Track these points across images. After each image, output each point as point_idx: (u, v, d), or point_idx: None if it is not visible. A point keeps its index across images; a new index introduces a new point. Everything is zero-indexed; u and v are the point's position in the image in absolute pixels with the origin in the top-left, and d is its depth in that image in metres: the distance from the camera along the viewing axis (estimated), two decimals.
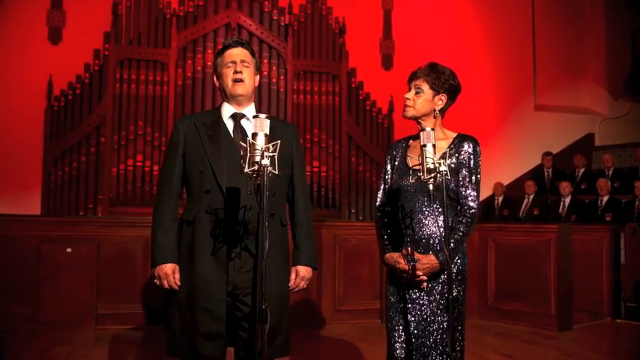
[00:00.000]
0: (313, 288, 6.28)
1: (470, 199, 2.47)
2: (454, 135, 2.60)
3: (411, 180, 2.50)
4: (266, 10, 8.12)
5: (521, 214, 8.56)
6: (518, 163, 9.36)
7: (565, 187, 8.26)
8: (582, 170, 9.10)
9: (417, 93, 2.55)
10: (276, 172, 2.10)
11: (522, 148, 9.36)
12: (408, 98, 2.56)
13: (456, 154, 2.52)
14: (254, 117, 2.15)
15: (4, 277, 5.74)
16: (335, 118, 8.31)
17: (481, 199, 8.94)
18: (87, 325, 5.75)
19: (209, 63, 7.77)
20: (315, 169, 8.16)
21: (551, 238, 6.18)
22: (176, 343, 2.51)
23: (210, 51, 7.81)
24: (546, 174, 9.19)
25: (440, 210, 2.47)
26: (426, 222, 2.47)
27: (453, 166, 2.49)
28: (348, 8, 8.52)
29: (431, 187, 2.22)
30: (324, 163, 8.24)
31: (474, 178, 2.50)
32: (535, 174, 9.27)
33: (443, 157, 2.49)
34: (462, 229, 2.44)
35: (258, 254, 2.45)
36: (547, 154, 9.22)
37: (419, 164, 2.25)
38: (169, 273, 2.49)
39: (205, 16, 7.93)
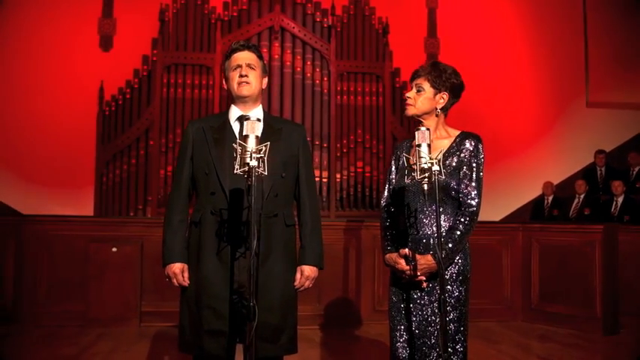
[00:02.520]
0: (352, 288, 6.31)
1: (470, 197, 2.45)
2: (457, 133, 2.58)
3: (411, 180, 2.51)
4: (309, 12, 8.19)
5: (571, 214, 8.33)
6: (569, 161, 9.09)
7: (618, 186, 7.99)
8: (637, 169, 8.76)
9: (417, 91, 2.55)
10: (265, 173, 2.15)
11: (573, 146, 9.08)
12: (408, 97, 2.56)
13: (458, 152, 2.50)
14: (245, 119, 2.21)
15: (55, 275, 6.03)
16: (379, 119, 8.30)
17: (530, 198, 8.85)
18: (131, 322, 5.96)
19: None
20: (359, 170, 8.17)
21: (597, 238, 5.99)
22: (185, 339, 2.60)
23: None
24: (599, 173, 8.90)
25: (441, 209, 2.46)
26: (426, 221, 2.46)
27: (454, 164, 2.48)
28: (391, 8, 8.49)
29: (425, 186, 2.22)
30: (368, 164, 8.25)
31: (474, 175, 2.47)
32: (587, 173, 8.98)
33: (447, 155, 2.50)
34: (461, 228, 2.41)
35: (260, 253, 2.52)
36: (600, 152, 8.93)
37: (414, 164, 2.26)
38: (178, 272, 2.58)
39: (249, 20, 8.07)
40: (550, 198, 8.61)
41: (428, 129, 2.25)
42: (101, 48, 8.23)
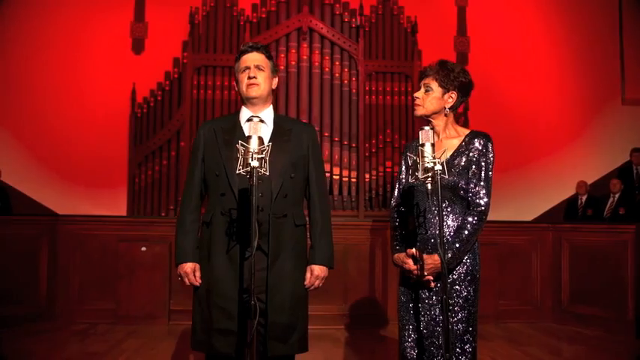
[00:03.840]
0: (378, 288, 6.31)
1: (478, 196, 2.44)
2: (466, 132, 2.57)
3: (416, 179, 2.50)
4: (337, 12, 8.19)
5: (605, 213, 8.14)
6: (603, 160, 8.86)
7: None
8: None
9: (426, 91, 2.55)
10: (267, 174, 2.18)
11: (609, 144, 8.86)
12: (417, 97, 2.56)
13: (467, 152, 2.49)
14: (247, 120, 2.24)
15: (87, 274, 6.21)
16: (408, 118, 8.25)
17: (564, 197, 8.68)
18: (160, 320, 6.07)
19: (282, 67, 7.95)
20: (388, 170, 8.13)
21: (629, 238, 5.88)
22: (197, 338, 2.64)
23: (282, 55, 7.99)
24: (635, 171, 8.67)
25: (449, 209, 2.46)
26: (434, 221, 2.45)
27: (463, 163, 2.47)
28: (420, 7, 8.43)
29: (429, 186, 2.22)
30: (397, 164, 8.21)
31: (483, 174, 2.46)
32: (622, 171, 8.76)
33: (455, 154, 2.49)
34: (469, 227, 2.40)
35: (270, 253, 2.55)
36: (636, 150, 8.69)
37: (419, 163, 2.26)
38: (189, 272, 2.63)
39: (278, 22, 8.11)
40: (584, 197, 8.43)
41: (432, 128, 2.26)
42: (133, 51, 8.39)
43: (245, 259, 2.53)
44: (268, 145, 2.16)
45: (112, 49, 8.30)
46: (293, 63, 8.01)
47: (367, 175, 8.03)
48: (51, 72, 8.18)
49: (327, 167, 7.80)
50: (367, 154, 8.05)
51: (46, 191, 8.00)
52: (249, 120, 2.66)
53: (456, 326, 2.42)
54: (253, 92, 2.64)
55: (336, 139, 7.95)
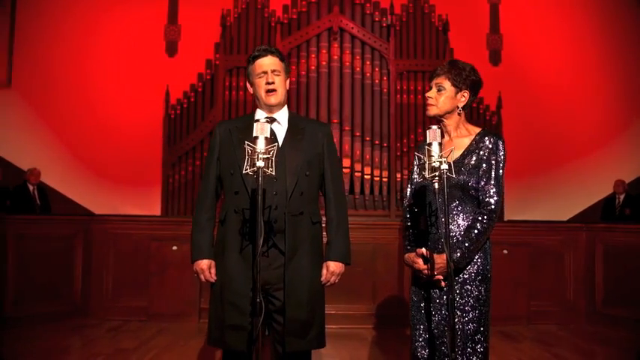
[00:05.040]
0: (407, 287, 6.27)
1: (488, 195, 2.42)
2: (477, 131, 2.55)
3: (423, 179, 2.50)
4: (367, 12, 8.18)
5: None
6: None
7: None
8: None
9: (438, 91, 2.54)
10: (273, 174, 2.20)
11: None
12: (430, 97, 2.55)
13: (477, 150, 2.48)
14: (255, 121, 2.27)
15: (120, 272, 6.35)
16: None
17: (601, 197, 8.48)
18: (191, 318, 6.17)
19: (312, 67, 7.98)
20: None
21: None
22: (212, 334, 2.70)
23: (313, 56, 8.01)
24: None
25: (459, 208, 2.45)
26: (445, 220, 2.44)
27: (473, 162, 2.46)
28: (451, 4, 8.35)
29: (436, 185, 2.21)
30: None
31: (493, 173, 2.44)
32: None
33: (466, 153, 2.48)
34: (478, 226, 2.39)
35: (287, 250, 2.59)
36: None
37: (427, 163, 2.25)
38: (205, 268, 2.70)
39: (308, 22, 8.14)
40: (622, 196, 8.24)
41: (440, 128, 2.25)
42: (167, 53, 8.54)
43: (260, 257, 2.57)
44: (274, 146, 2.19)
45: (146, 51, 8.46)
46: (324, 63, 8.03)
47: (398, 175, 7.99)
48: (88, 75, 8.39)
49: (357, 167, 7.80)
50: (398, 154, 8.02)
51: (84, 191, 8.21)
52: (256, 121, 2.71)
53: (467, 326, 2.41)
54: (273, 100, 2.70)
55: (367, 138, 7.94)
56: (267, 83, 2.68)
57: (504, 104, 8.25)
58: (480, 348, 2.41)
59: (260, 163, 2.14)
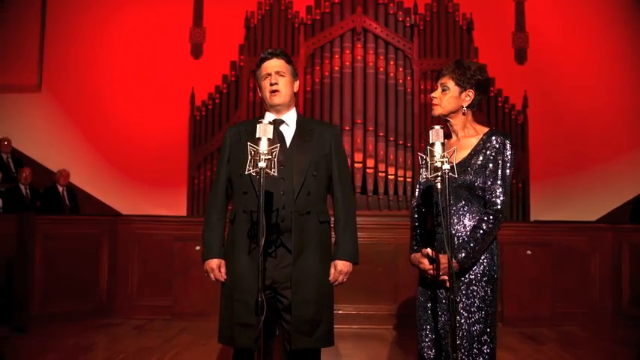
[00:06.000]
0: None
1: (494, 195, 2.41)
2: (485, 130, 2.54)
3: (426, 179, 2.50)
4: (391, 12, 8.17)
5: None
6: None
7: None
8: None
9: (443, 91, 2.54)
10: (276, 174, 2.23)
11: None
12: (434, 97, 2.55)
13: (484, 150, 2.47)
14: (257, 123, 2.30)
15: (145, 271, 6.44)
16: None
17: (632, 196, 8.32)
18: (213, 318, 6.17)
19: (336, 68, 8.00)
20: None
21: None
22: (222, 332, 2.74)
23: (337, 56, 8.03)
24: None
25: (466, 209, 2.44)
26: (452, 220, 2.44)
27: (480, 162, 2.45)
28: (475, 3, 8.29)
29: (439, 185, 2.21)
30: None
31: (500, 172, 2.42)
32: None
33: (473, 153, 2.47)
34: (484, 227, 2.38)
35: (294, 249, 2.62)
36: None
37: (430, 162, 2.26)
38: (215, 267, 2.75)
39: (332, 23, 8.17)
40: None
41: (442, 127, 2.26)
42: (192, 55, 8.67)
43: (267, 256, 2.61)
44: (276, 147, 2.22)
45: (172, 54, 8.60)
46: (347, 64, 8.04)
47: None
48: (115, 77, 8.57)
49: (381, 167, 7.79)
50: None
51: (111, 192, 8.38)
52: (272, 123, 2.75)
53: (473, 327, 2.40)
54: (276, 100, 2.75)
55: (391, 138, 7.93)
56: (271, 84, 2.72)
57: (530, 103, 8.17)
58: (486, 349, 2.40)
59: (262, 164, 2.17)
